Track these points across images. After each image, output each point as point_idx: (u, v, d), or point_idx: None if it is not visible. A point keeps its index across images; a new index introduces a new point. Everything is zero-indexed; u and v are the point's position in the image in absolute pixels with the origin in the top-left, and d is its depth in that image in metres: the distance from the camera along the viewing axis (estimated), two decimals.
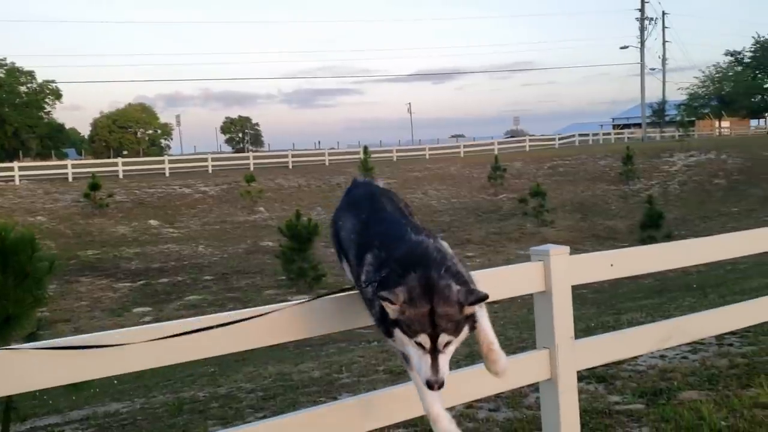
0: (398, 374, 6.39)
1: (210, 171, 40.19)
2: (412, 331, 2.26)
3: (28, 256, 5.88)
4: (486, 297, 2.29)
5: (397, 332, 2.30)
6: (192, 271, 23.26)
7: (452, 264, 2.36)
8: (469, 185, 39.15)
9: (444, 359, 2.27)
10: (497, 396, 4.45)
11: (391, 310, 2.26)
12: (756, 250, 4.42)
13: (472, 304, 2.26)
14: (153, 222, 31.11)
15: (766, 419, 3.67)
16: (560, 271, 3.46)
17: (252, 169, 38.85)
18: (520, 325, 12.27)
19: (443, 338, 2.24)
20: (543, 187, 30.59)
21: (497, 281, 3.46)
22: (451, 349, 2.29)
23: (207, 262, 24.64)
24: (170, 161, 41.79)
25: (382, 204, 2.77)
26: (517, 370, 3.29)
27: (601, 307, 11.36)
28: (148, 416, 6.56)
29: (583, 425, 3.71)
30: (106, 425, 6.43)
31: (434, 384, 2.24)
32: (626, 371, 5.05)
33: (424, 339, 2.24)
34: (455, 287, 2.28)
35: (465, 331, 2.33)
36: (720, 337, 5.73)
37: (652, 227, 22.72)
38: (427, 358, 2.25)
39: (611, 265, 3.73)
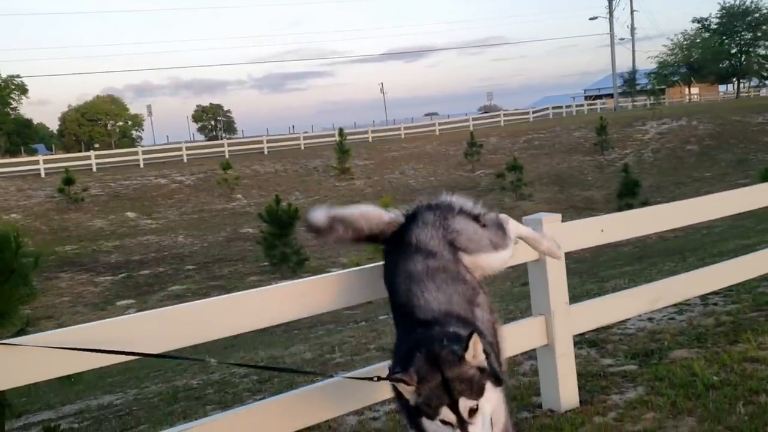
0: (390, 351, 6.46)
1: (185, 160, 39.80)
2: (433, 409, 2.10)
3: (13, 252, 5.83)
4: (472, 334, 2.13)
5: (425, 422, 2.14)
6: (173, 261, 23.12)
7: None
8: (446, 163, 39.23)
9: (475, 429, 2.08)
10: None
11: (407, 392, 2.14)
12: (745, 207, 4.54)
13: (467, 347, 2.11)
14: (130, 214, 30.80)
15: (756, 372, 3.78)
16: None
17: (227, 156, 38.52)
18: (505, 297, 12.42)
19: (464, 403, 2.08)
20: (519, 161, 30.77)
21: None
22: (481, 419, 2.10)
23: (188, 252, 24.50)
24: (144, 152, 41.29)
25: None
26: (515, 338, 3.36)
27: (583, 277, 11.51)
28: (144, 406, 6.56)
29: (579, 388, 3.80)
30: (102, 417, 6.42)
31: None
32: (616, 335, 5.15)
33: (446, 413, 2.09)
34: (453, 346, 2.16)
35: (490, 393, 2.15)
36: (704, 298, 5.85)
37: (628, 196, 23.00)
38: None
39: (602, 230, 3.81)
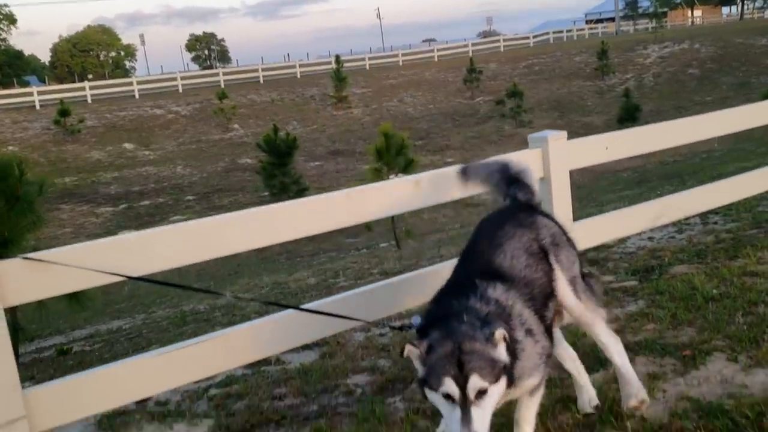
0: (394, 275, 6.56)
1: (180, 90, 39.27)
2: (437, 380, 1.93)
3: (17, 179, 5.84)
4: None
5: (428, 393, 1.99)
6: (173, 192, 23.15)
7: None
8: (445, 90, 38.76)
9: (479, 413, 1.88)
10: None
11: (414, 359, 2.03)
12: (747, 125, 4.53)
13: (498, 332, 1.96)
14: (128, 145, 30.64)
15: (755, 285, 3.86)
16: (558, 156, 3.54)
17: (223, 86, 38.00)
18: None
19: (474, 382, 1.89)
20: (519, 87, 30.42)
21: None
22: (488, 402, 1.93)
23: (187, 183, 24.51)
24: (139, 82, 40.66)
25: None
26: None
27: (582, 202, 11.57)
28: (153, 329, 6.71)
29: None
30: (112, 340, 6.57)
31: None
32: (617, 254, 5.23)
33: (450, 386, 1.90)
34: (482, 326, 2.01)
35: (503, 381, 1.98)
36: (704, 218, 5.91)
37: (629, 121, 22.90)
38: (457, 412, 1.89)
39: (606, 148, 3.81)
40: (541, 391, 2.33)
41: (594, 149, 3.81)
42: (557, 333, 2.63)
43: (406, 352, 2.02)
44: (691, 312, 3.61)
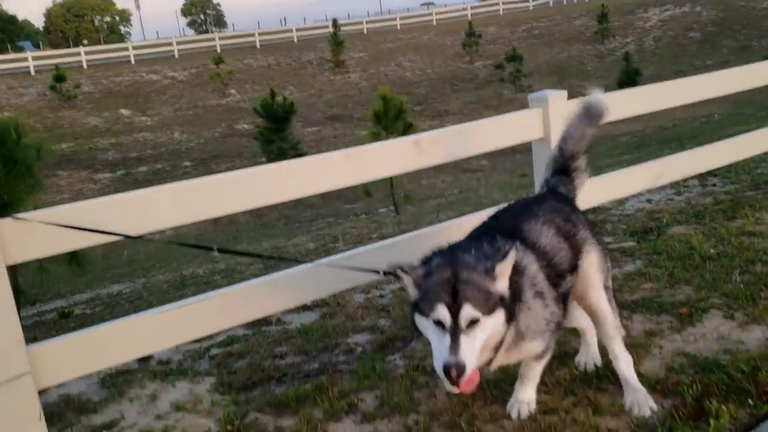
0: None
1: (176, 56, 38.87)
2: (429, 305, 1.90)
3: (14, 143, 5.82)
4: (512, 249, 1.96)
5: (418, 319, 1.97)
6: (170, 158, 23.10)
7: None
8: (444, 54, 38.41)
9: (468, 341, 1.85)
10: None
11: (408, 286, 2.00)
12: (747, 86, 4.50)
13: (500, 266, 1.93)
14: (124, 111, 30.45)
15: (753, 244, 3.88)
16: (559, 116, 3.50)
17: (219, 50, 37.62)
18: (504, 189, 12.54)
19: (467, 311, 1.86)
20: (518, 51, 30.15)
21: (496, 130, 3.52)
22: (480, 335, 1.88)
23: (184, 149, 24.44)
24: (134, 47, 40.21)
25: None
26: None
27: None
28: (154, 292, 6.75)
29: None
30: (113, 303, 6.62)
31: (451, 368, 1.81)
32: (615, 216, 5.24)
33: (442, 312, 1.87)
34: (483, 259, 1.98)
35: (499, 319, 1.94)
36: (703, 180, 5.92)
37: (629, 85, 22.66)
38: (447, 339, 1.86)
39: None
40: (547, 357, 2.34)
41: None
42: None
43: (400, 278, 2.01)
44: (689, 271, 3.64)
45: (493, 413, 2.52)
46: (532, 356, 2.27)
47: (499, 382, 2.68)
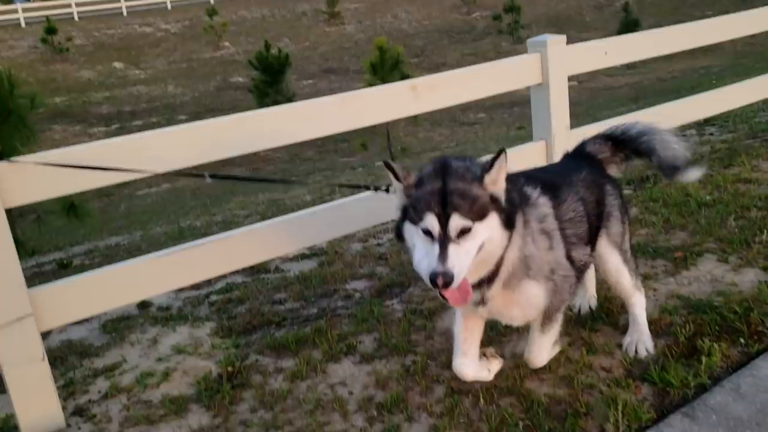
0: None
1: (169, 7, 38.15)
2: (418, 214, 1.85)
3: (8, 92, 5.77)
4: (502, 152, 1.90)
5: (406, 227, 1.93)
6: (165, 112, 22.87)
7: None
8: (440, 5, 37.75)
9: (456, 250, 1.79)
10: None
11: (399, 192, 1.95)
12: (749, 30, 4.46)
13: (490, 171, 1.88)
14: (117, 64, 30.02)
15: (748, 191, 3.90)
16: (557, 61, 3.49)
17: (212, 1, 36.92)
18: (501, 141, 12.49)
19: (456, 221, 1.80)
20: (517, 1, 29.64)
21: (494, 75, 3.49)
22: (471, 245, 1.82)
23: (179, 102, 24.20)
24: None
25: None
26: (512, 164, 3.42)
27: (578, 119, 11.42)
28: (151, 243, 6.76)
29: None
30: (112, 254, 6.64)
31: (438, 276, 1.75)
32: None
33: (431, 221, 1.82)
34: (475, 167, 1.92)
35: (493, 223, 1.87)
36: (700, 129, 5.91)
37: None
38: (435, 248, 1.80)
39: (605, 53, 3.77)
40: (555, 328, 2.25)
41: (593, 54, 3.76)
42: None
43: (391, 184, 1.98)
44: (684, 217, 3.66)
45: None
46: (533, 309, 2.15)
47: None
